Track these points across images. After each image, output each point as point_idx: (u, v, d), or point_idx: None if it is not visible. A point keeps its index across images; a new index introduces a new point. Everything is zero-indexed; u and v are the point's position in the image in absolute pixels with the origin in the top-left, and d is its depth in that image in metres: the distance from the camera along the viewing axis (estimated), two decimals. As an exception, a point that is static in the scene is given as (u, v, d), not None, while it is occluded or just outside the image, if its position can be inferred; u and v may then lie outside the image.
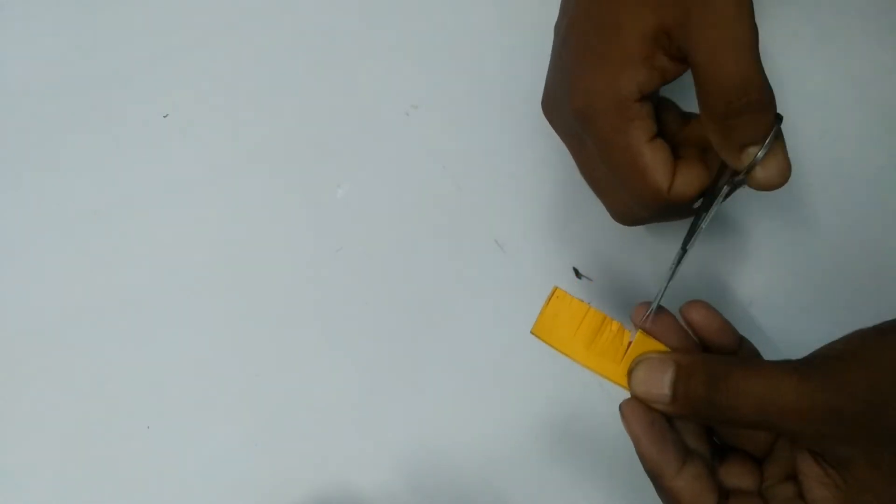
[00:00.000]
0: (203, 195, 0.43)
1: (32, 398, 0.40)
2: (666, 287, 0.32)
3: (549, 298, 0.32)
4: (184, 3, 0.45)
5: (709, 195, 0.32)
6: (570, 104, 0.32)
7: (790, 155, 0.30)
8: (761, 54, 0.29)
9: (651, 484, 0.32)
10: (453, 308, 0.41)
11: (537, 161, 0.42)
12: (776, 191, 0.31)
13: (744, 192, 0.32)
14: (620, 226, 0.36)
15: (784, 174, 0.30)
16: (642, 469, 0.35)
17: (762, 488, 0.31)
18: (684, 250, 0.32)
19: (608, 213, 0.36)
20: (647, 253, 0.41)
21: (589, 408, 0.40)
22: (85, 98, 0.44)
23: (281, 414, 0.40)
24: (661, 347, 0.32)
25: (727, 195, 0.32)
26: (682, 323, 0.33)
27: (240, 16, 0.45)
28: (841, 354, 0.28)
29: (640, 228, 0.41)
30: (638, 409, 0.30)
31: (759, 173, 0.30)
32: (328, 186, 0.43)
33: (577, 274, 0.41)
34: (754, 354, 0.33)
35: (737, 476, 0.31)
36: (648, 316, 0.32)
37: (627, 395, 0.31)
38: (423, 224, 0.42)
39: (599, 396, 0.40)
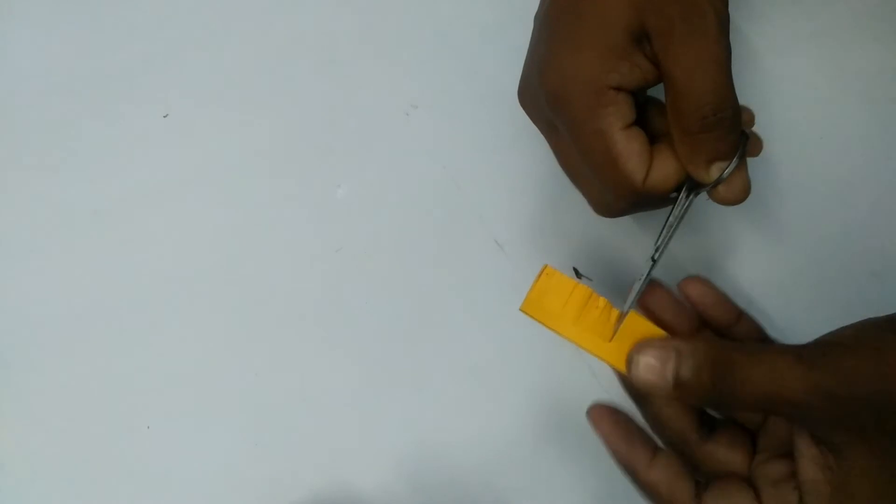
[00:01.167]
0: (203, 195, 0.43)
1: (32, 398, 0.40)
2: (639, 290, 0.32)
3: (539, 276, 0.32)
4: (184, 3, 0.45)
5: (687, 185, 0.32)
6: (544, 87, 0.32)
7: (790, 154, 0.31)
8: (760, 55, 0.29)
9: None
10: (453, 308, 0.41)
11: (537, 161, 0.42)
12: (776, 191, 0.31)
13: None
14: (620, 225, 0.36)
15: (746, 191, 0.32)
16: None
17: (753, 465, 0.31)
18: (654, 261, 0.32)
19: (590, 206, 0.35)
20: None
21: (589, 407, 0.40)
22: (85, 98, 0.44)
23: (281, 414, 0.40)
24: (653, 327, 0.32)
25: (689, 206, 0.32)
26: (681, 298, 0.33)
27: (240, 16, 0.45)
28: (850, 343, 0.28)
29: (639, 227, 0.41)
30: (604, 411, 0.32)
31: (723, 189, 0.31)
32: (328, 186, 0.43)
33: (578, 274, 0.41)
34: (754, 328, 0.33)
35: (726, 447, 0.31)
36: (634, 300, 0.32)
37: (614, 372, 0.31)
38: (423, 224, 0.42)
39: (600, 395, 0.40)
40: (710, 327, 0.33)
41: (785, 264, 0.41)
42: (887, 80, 0.43)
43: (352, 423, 0.40)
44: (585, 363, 0.40)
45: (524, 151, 0.42)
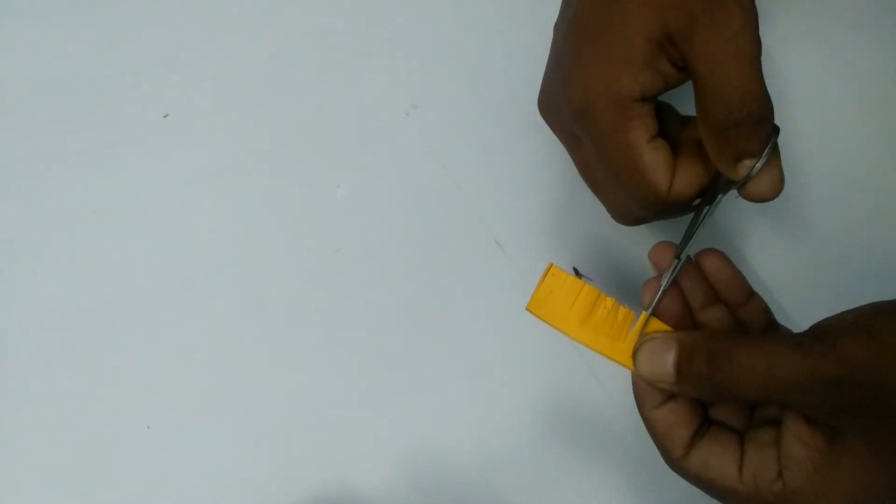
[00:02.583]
0: (203, 195, 0.43)
1: (32, 398, 0.40)
2: (663, 291, 0.32)
3: (545, 275, 0.32)
4: (184, 4, 0.45)
5: (708, 192, 0.32)
6: (568, 101, 0.32)
7: (791, 153, 0.30)
8: (762, 55, 0.29)
9: (651, 479, 0.32)
10: (453, 308, 0.41)
11: (537, 161, 0.42)
12: (777, 198, 0.31)
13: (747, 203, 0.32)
14: (621, 225, 0.36)
15: (777, 188, 0.31)
16: (643, 465, 0.35)
17: (746, 428, 0.31)
18: (679, 259, 0.32)
19: (609, 214, 0.35)
20: (647, 252, 0.41)
21: (590, 407, 0.40)
22: (85, 98, 0.44)
23: (281, 414, 0.40)
24: (662, 325, 0.32)
25: (717, 203, 0.32)
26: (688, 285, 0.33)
27: (240, 16, 0.45)
28: (849, 328, 0.27)
29: (640, 227, 0.41)
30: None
31: (753, 186, 0.31)
32: (328, 186, 0.43)
33: (578, 274, 0.41)
34: (762, 310, 0.33)
35: (725, 412, 0.32)
36: (655, 303, 0.32)
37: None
38: (423, 224, 0.42)
39: (600, 395, 0.40)
40: (722, 302, 0.33)
41: (785, 263, 0.41)
42: (887, 79, 0.43)
43: (352, 422, 0.40)
44: (586, 363, 0.40)
45: (525, 151, 0.42)
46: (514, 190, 0.42)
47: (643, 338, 0.31)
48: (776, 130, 0.30)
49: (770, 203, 0.32)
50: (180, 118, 0.44)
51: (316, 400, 0.40)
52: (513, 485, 0.39)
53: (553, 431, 0.40)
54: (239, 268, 0.42)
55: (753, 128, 0.29)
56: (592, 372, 0.40)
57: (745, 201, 0.32)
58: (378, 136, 0.43)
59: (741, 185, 0.31)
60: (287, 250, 0.42)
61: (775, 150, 0.30)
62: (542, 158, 0.42)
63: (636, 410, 0.32)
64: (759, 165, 0.30)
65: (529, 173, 0.42)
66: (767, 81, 0.29)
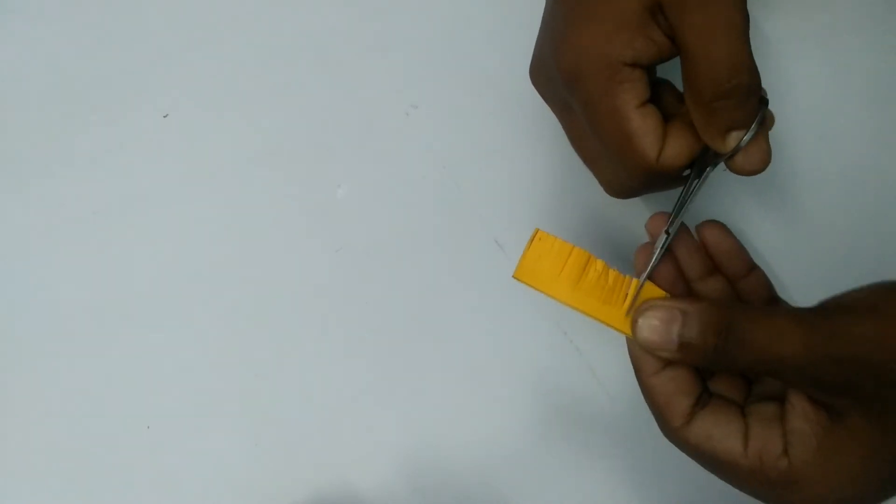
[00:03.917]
0: (203, 195, 0.43)
1: (32, 398, 0.40)
2: (655, 263, 0.32)
3: (531, 241, 0.31)
4: (183, 4, 0.45)
5: (698, 164, 0.32)
6: (559, 66, 0.31)
7: (791, 153, 0.30)
8: (763, 54, 0.29)
9: (651, 477, 0.31)
10: (453, 308, 0.41)
11: (538, 161, 0.42)
12: (777, 191, 0.31)
13: (744, 192, 0.32)
14: (621, 225, 0.36)
15: (765, 160, 0.31)
16: (643, 465, 0.35)
17: (746, 401, 0.31)
18: (668, 234, 0.32)
19: (602, 187, 0.35)
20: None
21: (590, 407, 0.40)
22: (85, 98, 0.44)
23: (281, 414, 0.40)
24: (658, 290, 0.31)
25: (706, 177, 0.32)
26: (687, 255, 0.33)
27: (240, 16, 0.45)
28: (856, 305, 0.27)
29: (641, 228, 0.41)
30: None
31: (741, 158, 0.30)
32: (328, 186, 0.43)
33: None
34: (763, 284, 0.32)
35: (724, 384, 0.31)
36: (651, 268, 0.32)
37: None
38: (423, 224, 0.42)
39: (600, 395, 0.40)
40: (722, 274, 0.33)
41: (785, 261, 0.41)
42: (888, 78, 0.43)
43: (352, 422, 0.40)
44: (586, 364, 0.40)
45: (524, 151, 0.42)
46: (514, 190, 0.42)
47: (643, 304, 0.30)
48: (764, 103, 0.30)
49: (769, 195, 0.31)
50: (180, 118, 0.44)
51: (316, 400, 0.40)
52: (513, 485, 0.39)
53: (553, 431, 0.40)
54: (239, 268, 0.42)
55: (741, 99, 0.29)
56: (592, 372, 0.40)
57: (738, 179, 0.31)
58: (378, 136, 0.43)
59: (729, 158, 0.30)
60: (287, 250, 0.42)
61: (763, 122, 0.30)
62: (543, 158, 0.42)
63: (636, 410, 0.32)
64: (747, 138, 0.30)
65: (530, 173, 0.42)
66: (767, 82, 0.29)
